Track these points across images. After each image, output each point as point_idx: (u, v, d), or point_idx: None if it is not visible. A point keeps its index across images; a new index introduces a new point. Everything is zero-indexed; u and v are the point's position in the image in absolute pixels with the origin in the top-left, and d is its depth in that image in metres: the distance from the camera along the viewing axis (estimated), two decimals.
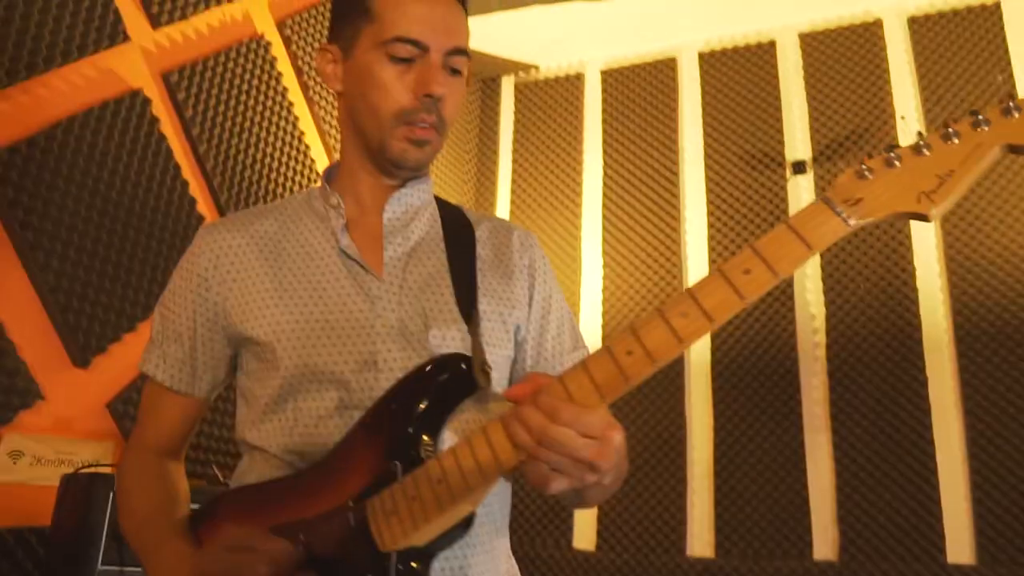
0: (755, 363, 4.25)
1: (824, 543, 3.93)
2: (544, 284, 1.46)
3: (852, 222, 0.99)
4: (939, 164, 0.99)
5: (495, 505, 1.30)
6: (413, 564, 1.08)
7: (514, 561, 1.38)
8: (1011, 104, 0.97)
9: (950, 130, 0.99)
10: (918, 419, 3.89)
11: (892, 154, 1.01)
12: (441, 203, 1.49)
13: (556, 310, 1.46)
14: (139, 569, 2.20)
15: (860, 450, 3.95)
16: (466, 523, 1.11)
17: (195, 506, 1.36)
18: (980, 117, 0.98)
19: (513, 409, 1.02)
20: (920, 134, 1.02)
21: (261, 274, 1.34)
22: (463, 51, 1.33)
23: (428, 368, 1.19)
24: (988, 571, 3.60)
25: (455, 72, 1.33)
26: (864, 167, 1.02)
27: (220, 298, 1.35)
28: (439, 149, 1.37)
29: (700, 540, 4.15)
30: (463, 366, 1.19)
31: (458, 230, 1.43)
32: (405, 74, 1.29)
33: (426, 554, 1.10)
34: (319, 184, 1.48)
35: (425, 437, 1.16)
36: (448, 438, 1.21)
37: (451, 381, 1.18)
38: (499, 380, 1.33)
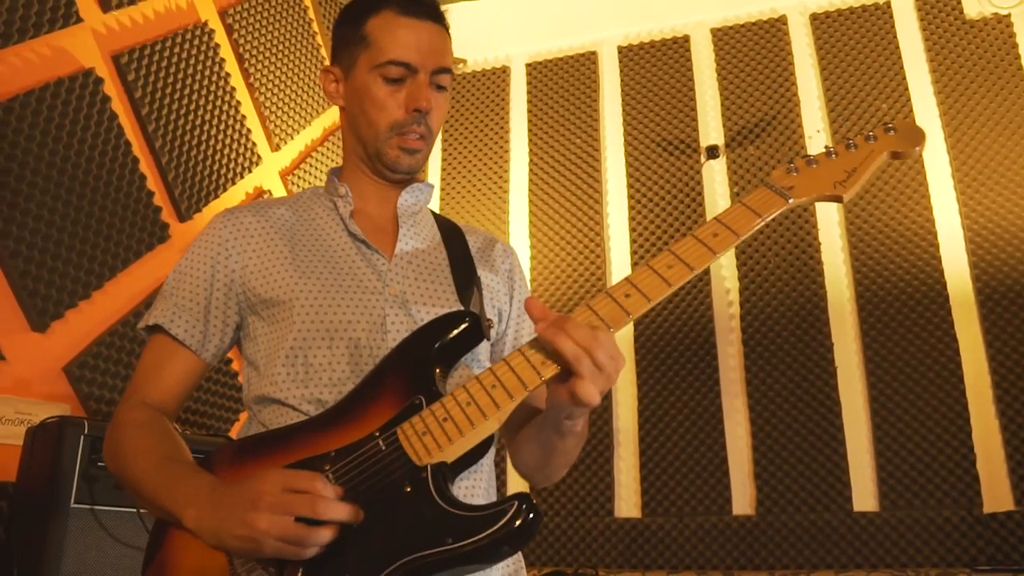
0: (675, 334, 4.53)
1: (743, 499, 4.21)
2: (521, 287, 1.66)
3: (791, 201, 1.32)
4: (846, 164, 1.37)
5: (486, 457, 1.43)
6: (445, 473, 1.20)
7: None
8: (890, 125, 1.40)
9: (851, 142, 1.39)
10: (825, 380, 4.21)
11: (811, 157, 1.38)
12: (433, 213, 1.68)
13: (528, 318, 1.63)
14: (111, 508, 2.36)
15: (773, 411, 4.25)
16: (486, 444, 1.26)
17: None
18: (871, 134, 1.39)
19: (549, 330, 1.17)
20: (827, 146, 1.40)
21: (280, 247, 1.48)
22: (447, 70, 1.51)
23: (444, 318, 1.34)
24: (890, 516, 3.92)
25: (440, 88, 1.51)
26: (792, 165, 1.37)
27: (239, 266, 1.48)
28: (428, 154, 1.56)
29: (627, 502, 4.40)
30: (468, 320, 1.34)
31: (451, 232, 1.63)
32: (397, 92, 1.47)
33: (453, 470, 1.22)
34: (325, 181, 1.65)
35: (439, 370, 1.30)
36: (460, 380, 1.37)
37: (463, 331, 1.33)
38: (486, 348, 1.52)
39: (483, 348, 1.49)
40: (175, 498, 1.23)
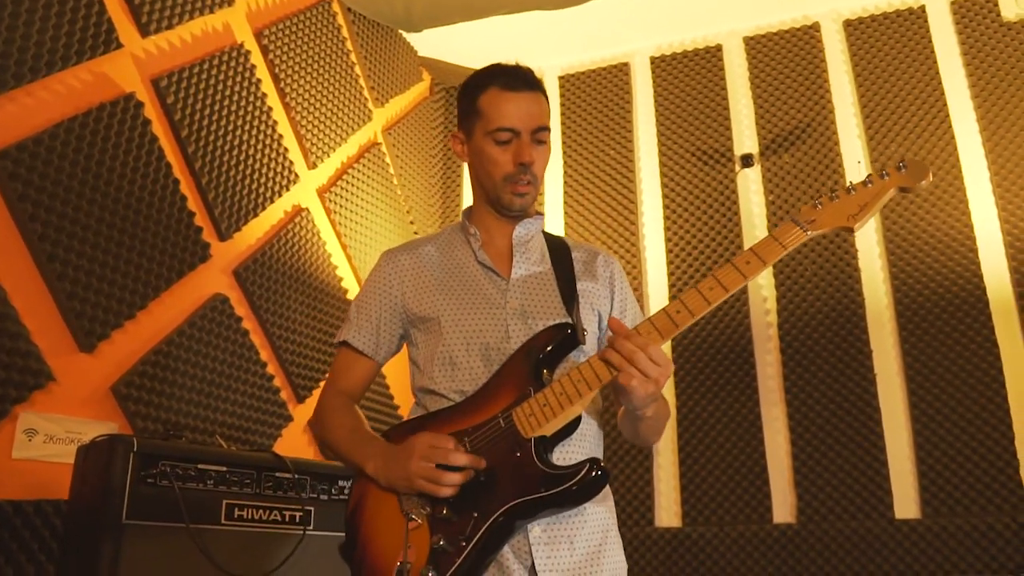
0: (712, 343, 4.52)
1: (783, 507, 4.20)
2: (621, 291, 2.10)
3: (809, 233, 1.73)
4: (861, 199, 1.73)
5: (591, 434, 1.92)
6: (544, 446, 1.73)
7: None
8: (902, 164, 1.73)
9: (867, 178, 1.74)
10: (864, 388, 4.19)
11: (835, 193, 1.75)
12: (547, 234, 2.15)
13: (631, 309, 2.10)
14: (162, 523, 2.40)
15: (812, 419, 4.23)
16: (575, 423, 1.76)
17: None
18: (884, 171, 1.73)
19: (609, 345, 1.68)
20: (851, 182, 1.75)
21: (428, 277, 2.03)
22: (544, 128, 1.95)
23: (548, 329, 1.84)
24: (932, 523, 3.88)
25: (540, 142, 1.95)
26: (818, 201, 1.75)
27: (399, 293, 2.04)
28: (536, 195, 2.02)
29: (667, 511, 4.40)
30: (570, 330, 1.83)
31: (559, 250, 2.08)
32: (506, 151, 1.93)
33: (550, 442, 1.75)
34: (458, 219, 2.17)
35: (545, 372, 1.80)
36: (559, 374, 1.81)
37: (563, 338, 1.82)
38: (590, 345, 1.96)
39: (588, 344, 1.95)
40: (361, 453, 1.86)
